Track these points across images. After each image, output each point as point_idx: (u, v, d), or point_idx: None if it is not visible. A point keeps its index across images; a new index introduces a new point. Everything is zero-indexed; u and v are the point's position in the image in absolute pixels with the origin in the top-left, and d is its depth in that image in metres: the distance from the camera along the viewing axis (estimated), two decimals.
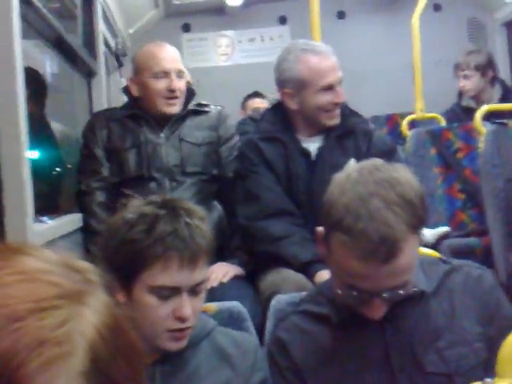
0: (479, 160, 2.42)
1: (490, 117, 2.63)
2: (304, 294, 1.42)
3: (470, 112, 3.03)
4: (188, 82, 2.24)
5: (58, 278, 0.49)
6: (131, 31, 3.74)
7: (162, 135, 2.11)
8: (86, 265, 0.54)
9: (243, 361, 1.19)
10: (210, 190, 2.16)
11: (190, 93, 2.19)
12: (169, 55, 2.11)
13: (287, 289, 1.69)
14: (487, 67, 3.47)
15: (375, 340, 1.16)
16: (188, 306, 1.10)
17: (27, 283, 0.48)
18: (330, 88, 1.95)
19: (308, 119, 2.01)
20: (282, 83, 2.00)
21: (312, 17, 2.28)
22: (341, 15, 4.39)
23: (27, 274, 0.48)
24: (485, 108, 2.63)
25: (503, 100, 3.26)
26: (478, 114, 2.58)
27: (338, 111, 1.99)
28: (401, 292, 1.09)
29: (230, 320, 1.38)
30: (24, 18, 1.53)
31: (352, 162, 1.13)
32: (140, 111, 2.13)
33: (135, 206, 1.16)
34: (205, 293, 1.17)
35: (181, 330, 1.12)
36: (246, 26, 4.35)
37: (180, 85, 2.09)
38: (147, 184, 2.05)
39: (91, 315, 0.49)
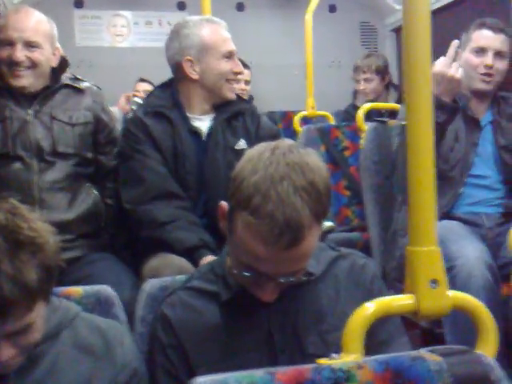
0: (360, 157, 2.52)
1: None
2: (180, 277, 1.40)
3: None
4: (63, 57, 2.06)
5: None
6: (16, 1, 3.49)
7: (30, 111, 1.92)
8: None
9: (108, 352, 1.11)
10: (83, 173, 2.02)
11: (63, 65, 2.02)
12: (20, 22, 1.90)
13: (169, 273, 1.64)
14: (385, 71, 3.62)
15: (261, 320, 1.17)
16: (4, 350, 0.97)
17: None
18: (230, 56, 1.98)
19: (208, 90, 1.99)
20: (182, 51, 1.97)
21: (204, 5, 2.27)
22: (240, 7, 4.39)
23: None
24: (367, 106, 2.75)
25: (398, 103, 3.40)
26: (361, 112, 2.70)
27: (235, 85, 2.04)
28: (295, 278, 1.10)
29: (98, 305, 1.30)
30: None
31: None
32: (2, 83, 1.92)
33: None
34: (35, 331, 1.02)
35: None
36: (143, 8, 4.23)
37: (29, 56, 1.88)
38: (12, 163, 1.87)
39: None
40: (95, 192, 2.04)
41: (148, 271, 1.77)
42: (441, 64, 1.93)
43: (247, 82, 3.60)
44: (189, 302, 1.20)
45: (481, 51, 2.18)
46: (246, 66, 3.52)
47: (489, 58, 2.16)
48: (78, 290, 1.31)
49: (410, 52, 0.95)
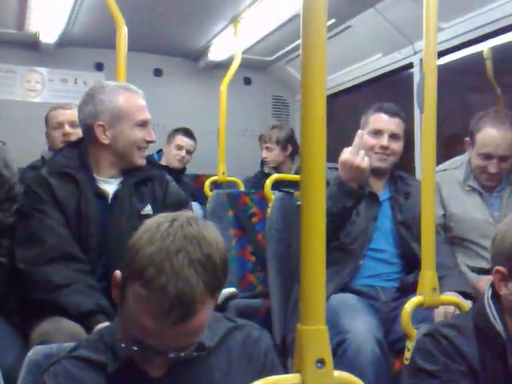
0: (266, 224, 2.57)
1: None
2: (69, 344, 1.33)
3: None
4: None
5: None
6: None
7: None
8: None
9: None
10: None
11: None
12: None
13: (60, 339, 1.57)
14: (287, 142, 3.78)
15: None
16: None
17: None
18: (143, 125, 1.98)
19: (118, 156, 1.97)
20: (95, 115, 1.94)
21: (119, 68, 2.30)
22: (157, 73, 4.48)
23: None
24: (274, 177, 2.86)
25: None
26: (268, 182, 2.79)
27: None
28: (186, 353, 1.09)
29: None
30: None
31: None
32: None
33: None
34: None
35: None
36: (60, 66, 4.22)
37: None
38: None
39: None
40: None
41: (38, 336, 1.68)
42: (349, 153, 2.05)
43: (189, 152, 3.73)
44: (73, 373, 1.14)
45: (377, 133, 2.32)
46: (193, 138, 3.73)
47: (384, 140, 2.31)
48: None
49: (306, 130, 0.99)
